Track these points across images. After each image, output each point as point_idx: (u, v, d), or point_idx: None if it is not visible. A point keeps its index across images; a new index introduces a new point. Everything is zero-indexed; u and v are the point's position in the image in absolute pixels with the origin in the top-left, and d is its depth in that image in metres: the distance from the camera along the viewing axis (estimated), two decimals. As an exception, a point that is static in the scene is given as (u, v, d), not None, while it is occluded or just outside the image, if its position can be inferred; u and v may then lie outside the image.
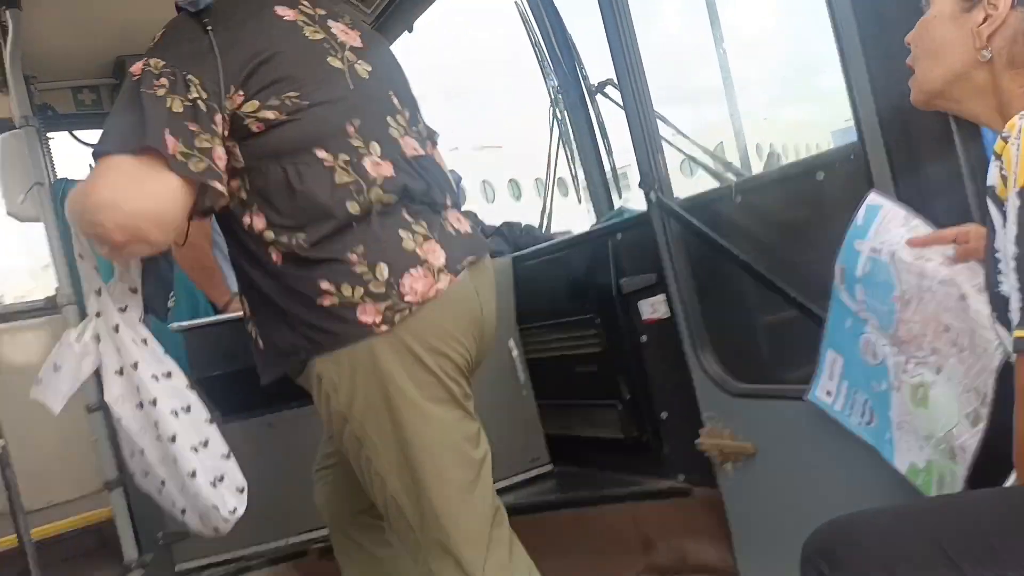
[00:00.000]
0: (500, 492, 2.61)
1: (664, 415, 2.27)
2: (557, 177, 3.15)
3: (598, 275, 2.39)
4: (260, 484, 1.50)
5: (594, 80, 2.62)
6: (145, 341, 1.37)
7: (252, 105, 1.20)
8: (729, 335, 1.94)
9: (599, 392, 2.48)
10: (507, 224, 3.12)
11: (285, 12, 1.28)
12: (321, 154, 1.23)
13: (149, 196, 1.15)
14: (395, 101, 1.37)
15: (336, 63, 1.29)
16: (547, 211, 3.24)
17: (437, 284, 1.24)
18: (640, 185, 2.04)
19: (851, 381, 1.45)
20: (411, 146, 1.34)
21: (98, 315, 1.37)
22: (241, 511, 1.35)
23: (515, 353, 2.65)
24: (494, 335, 1.46)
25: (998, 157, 0.89)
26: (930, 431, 1.25)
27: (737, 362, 1.88)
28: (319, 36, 1.29)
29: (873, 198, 1.34)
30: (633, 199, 2.68)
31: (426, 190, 1.32)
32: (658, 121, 2.04)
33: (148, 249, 1.21)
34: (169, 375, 1.36)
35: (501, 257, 2.85)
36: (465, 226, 1.39)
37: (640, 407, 2.34)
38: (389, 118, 1.33)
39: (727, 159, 2.59)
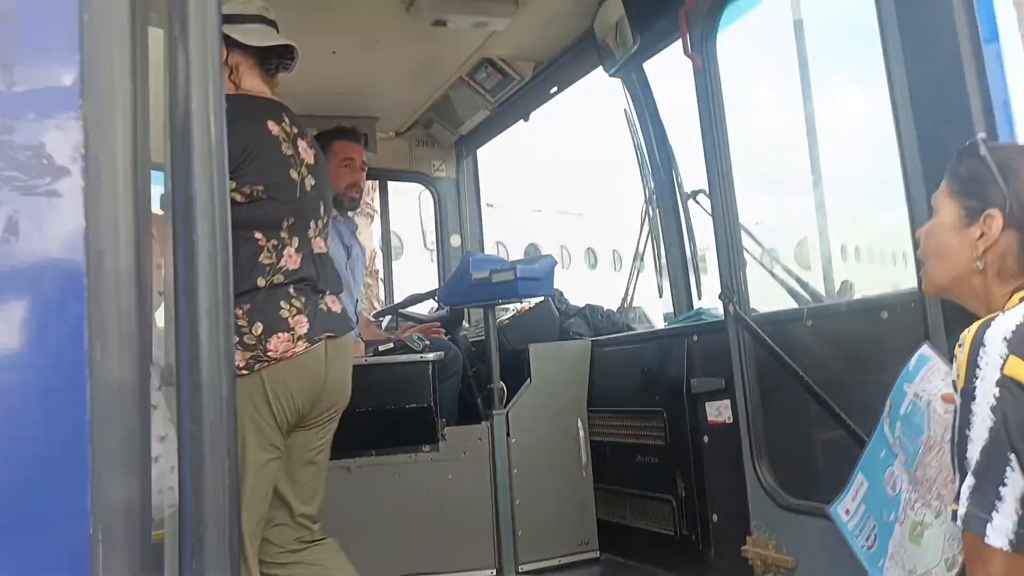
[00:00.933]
0: (545, 572, 2.89)
1: (715, 517, 2.51)
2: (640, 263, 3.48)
3: (670, 371, 2.69)
4: (335, 526, 1.83)
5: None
6: None
7: (231, 185, 1.63)
8: (785, 447, 2.19)
9: (656, 485, 2.74)
10: (589, 307, 3.46)
11: (273, 127, 1.84)
12: (258, 235, 1.77)
13: None
14: (321, 209, 1.93)
15: (294, 175, 1.85)
16: (629, 300, 3.57)
17: (295, 348, 1.76)
18: (720, 297, 2.35)
19: (868, 506, 1.69)
20: (319, 245, 1.92)
21: None
22: None
23: (581, 434, 2.95)
24: (338, 395, 1.92)
25: (955, 359, 1.15)
26: (913, 567, 1.50)
27: (789, 475, 2.13)
28: (289, 152, 1.85)
29: (925, 350, 1.61)
30: (709, 283, 2.94)
31: (315, 279, 1.86)
32: (743, 234, 2.36)
33: None
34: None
35: (580, 340, 3.19)
36: (337, 307, 1.92)
37: (693, 506, 2.59)
38: (312, 222, 1.89)
39: (809, 259, 2.82)
